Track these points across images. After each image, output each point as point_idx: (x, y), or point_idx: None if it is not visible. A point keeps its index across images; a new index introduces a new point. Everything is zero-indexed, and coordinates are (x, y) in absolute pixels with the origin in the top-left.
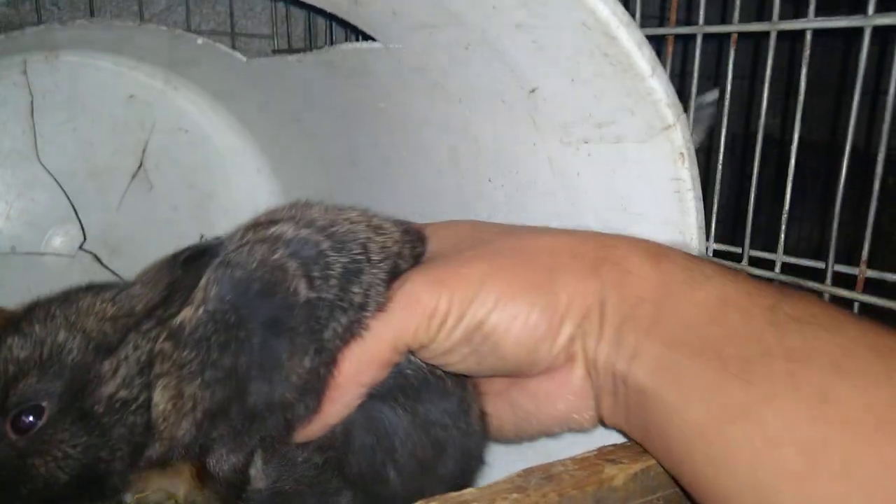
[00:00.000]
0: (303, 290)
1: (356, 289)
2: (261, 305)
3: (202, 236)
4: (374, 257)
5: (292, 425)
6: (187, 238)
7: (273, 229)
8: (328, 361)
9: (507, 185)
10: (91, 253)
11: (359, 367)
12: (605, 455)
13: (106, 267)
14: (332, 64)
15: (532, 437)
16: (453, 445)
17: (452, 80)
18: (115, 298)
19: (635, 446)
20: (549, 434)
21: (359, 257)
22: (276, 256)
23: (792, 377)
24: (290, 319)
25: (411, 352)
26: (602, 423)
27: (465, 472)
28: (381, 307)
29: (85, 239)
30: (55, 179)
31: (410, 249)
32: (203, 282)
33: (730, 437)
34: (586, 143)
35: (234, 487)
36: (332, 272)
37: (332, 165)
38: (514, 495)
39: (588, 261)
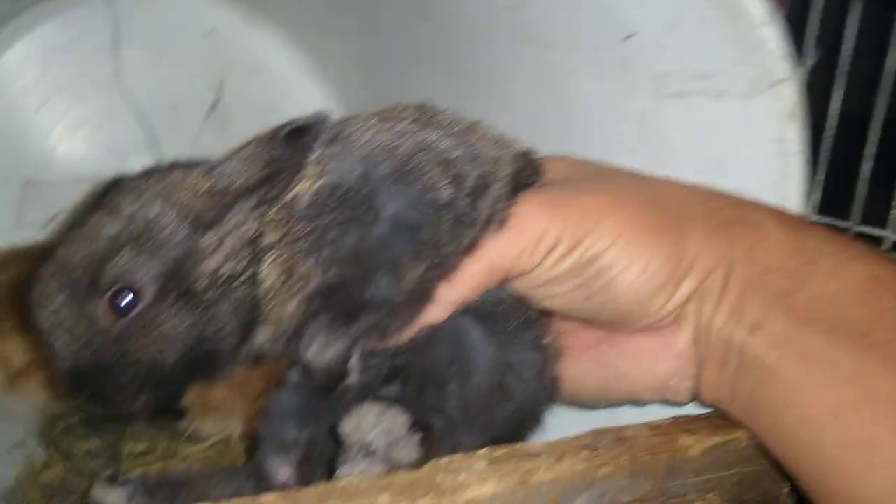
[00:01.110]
0: (445, 189)
1: (484, 203)
2: (394, 191)
3: None
4: (503, 173)
5: (389, 330)
6: None
7: (401, 125)
8: (438, 277)
9: (589, 140)
10: None
11: (452, 286)
12: (681, 424)
13: None
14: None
15: (614, 402)
16: (519, 399)
17: (544, 23)
18: (210, 174)
19: (713, 418)
20: (637, 400)
21: (488, 171)
22: (405, 146)
23: None
24: (422, 224)
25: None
26: (698, 398)
27: (519, 427)
28: (501, 225)
29: None
30: (134, 111)
31: (526, 176)
32: (315, 156)
33: (871, 424)
34: (682, 97)
35: (332, 379)
36: (465, 183)
37: None
38: (584, 453)
39: (720, 218)
